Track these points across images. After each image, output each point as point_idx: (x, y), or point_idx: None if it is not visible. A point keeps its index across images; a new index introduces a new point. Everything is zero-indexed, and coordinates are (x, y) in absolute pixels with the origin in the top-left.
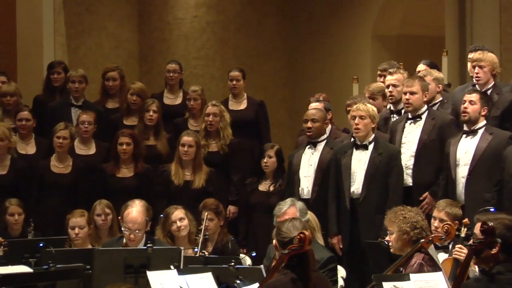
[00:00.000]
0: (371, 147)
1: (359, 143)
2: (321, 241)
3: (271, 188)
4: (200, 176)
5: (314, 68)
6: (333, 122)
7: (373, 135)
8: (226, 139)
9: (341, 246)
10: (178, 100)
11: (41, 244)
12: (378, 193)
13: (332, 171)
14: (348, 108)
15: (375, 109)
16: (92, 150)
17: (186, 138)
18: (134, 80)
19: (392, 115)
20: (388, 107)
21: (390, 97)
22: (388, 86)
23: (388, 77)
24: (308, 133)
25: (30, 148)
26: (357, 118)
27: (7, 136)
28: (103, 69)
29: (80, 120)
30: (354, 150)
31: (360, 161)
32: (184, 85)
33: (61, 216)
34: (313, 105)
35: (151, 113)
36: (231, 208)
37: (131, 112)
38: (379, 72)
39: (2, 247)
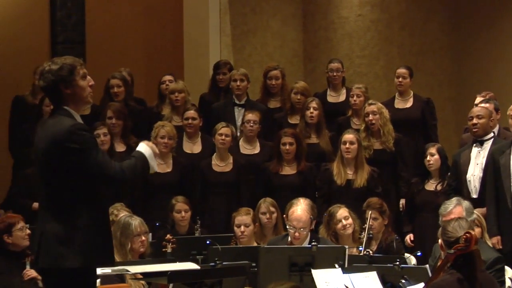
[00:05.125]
0: None
1: None
2: (488, 241)
3: (438, 187)
4: (362, 175)
5: (481, 66)
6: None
7: None
8: (387, 136)
9: (500, 247)
10: (341, 98)
11: (208, 242)
12: None
13: (490, 172)
14: None
15: None
16: (256, 149)
17: (347, 136)
18: (298, 79)
19: None
20: None
21: None
22: None
23: None
24: (473, 130)
25: (196, 147)
26: None
27: (175, 134)
28: (265, 68)
29: (245, 119)
30: None
31: None
32: (346, 83)
33: (226, 214)
34: (480, 104)
35: (311, 110)
36: (403, 201)
37: (295, 111)
38: None
39: (170, 244)
